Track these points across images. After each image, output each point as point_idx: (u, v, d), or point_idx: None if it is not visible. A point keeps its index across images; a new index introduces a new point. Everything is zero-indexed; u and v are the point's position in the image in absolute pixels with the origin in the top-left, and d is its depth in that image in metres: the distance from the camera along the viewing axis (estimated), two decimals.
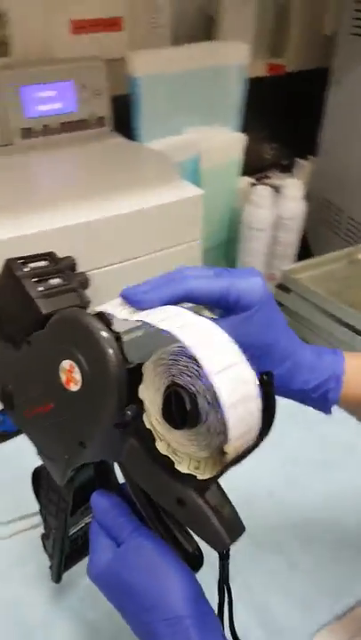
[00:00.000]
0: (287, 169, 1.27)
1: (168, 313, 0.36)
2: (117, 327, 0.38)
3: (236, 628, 0.44)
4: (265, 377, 0.35)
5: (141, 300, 0.38)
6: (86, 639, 0.58)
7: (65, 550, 0.54)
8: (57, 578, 0.57)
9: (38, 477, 0.53)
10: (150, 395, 0.36)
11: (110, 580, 0.41)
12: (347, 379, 0.45)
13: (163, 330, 0.34)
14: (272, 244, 1.07)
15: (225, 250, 1.16)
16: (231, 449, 0.33)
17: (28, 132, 0.85)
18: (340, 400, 0.46)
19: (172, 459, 0.35)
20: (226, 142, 0.99)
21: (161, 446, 0.35)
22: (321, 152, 1.18)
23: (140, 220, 0.72)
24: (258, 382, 0.34)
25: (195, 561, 0.42)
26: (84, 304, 0.45)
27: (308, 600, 0.60)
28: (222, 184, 1.03)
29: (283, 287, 0.99)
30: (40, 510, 0.54)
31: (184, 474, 0.35)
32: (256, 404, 0.34)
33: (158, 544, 0.40)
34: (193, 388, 0.33)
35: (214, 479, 0.36)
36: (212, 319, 0.37)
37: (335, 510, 0.70)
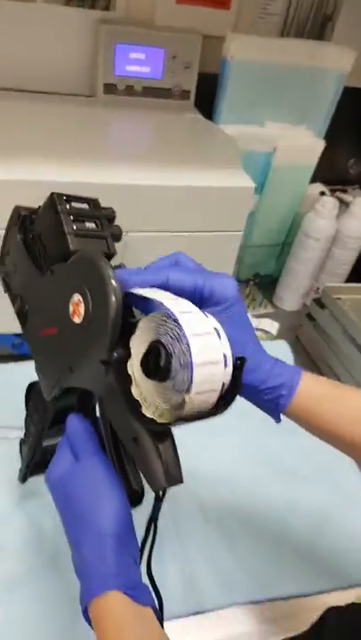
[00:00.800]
0: None
1: (159, 292, 0.42)
2: None
3: (158, 575, 0.49)
4: (238, 361, 0.40)
5: (128, 280, 0.43)
6: (33, 539, 0.65)
7: (35, 457, 0.61)
8: (22, 478, 0.64)
9: (31, 390, 0.60)
10: (137, 345, 0.40)
11: (60, 487, 0.46)
12: (299, 391, 0.48)
13: (155, 300, 0.40)
14: (325, 257, 1.04)
15: (280, 251, 1.14)
16: (189, 400, 0.37)
17: (111, 89, 0.87)
18: (290, 409, 0.49)
19: (142, 404, 0.40)
20: (304, 145, 0.97)
21: (135, 391, 0.40)
22: None
23: (185, 195, 0.72)
24: (226, 356, 0.39)
25: (135, 496, 0.48)
26: (111, 253, 0.50)
27: (231, 580, 0.65)
28: (291, 185, 1.01)
29: (319, 302, 0.96)
30: (25, 418, 0.61)
31: (146, 419, 0.40)
32: (219, 370, 0.38)
33: (109, 471, 0.46)
34: (171, 349, 0.38)
35: (169, 425, 0.40)
36: None
37: (290, 516, 0.72)
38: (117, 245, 0.74)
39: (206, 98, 0.92)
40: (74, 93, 0.88)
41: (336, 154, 1.15)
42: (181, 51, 0.87)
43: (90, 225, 0.50)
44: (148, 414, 0.40)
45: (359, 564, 0.67)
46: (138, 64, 0.86)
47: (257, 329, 0.98)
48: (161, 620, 0.45)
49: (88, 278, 0.43)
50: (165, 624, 0.46)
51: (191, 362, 0.37)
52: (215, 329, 0.40)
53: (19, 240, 0.53)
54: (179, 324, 0.38)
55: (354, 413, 0.49)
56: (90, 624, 0.43)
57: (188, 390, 0.37)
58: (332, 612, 0.50)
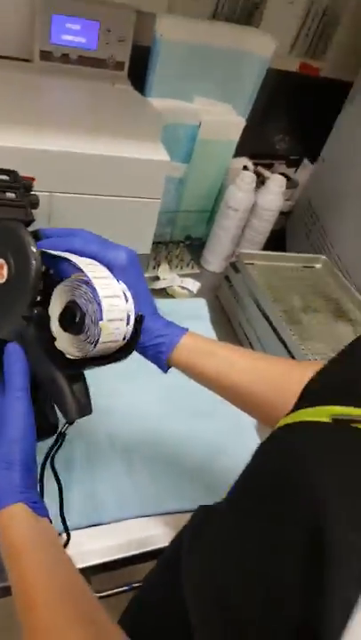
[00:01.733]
0: (295, 164, 1.31)
1: (76, 257, 0.50)
2: None
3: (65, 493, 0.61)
4: (138, 317, 0.50)
5: (42, 245, 0.51)
6: None
7: None
8: None
9: None
10: (56, 304, 0.49)
11: None
12: (179, 348, 0.58)
13: (76, 265, 0.48)
14: (244, 226, 1.12)
15: (209, 217, 1.22)
16: (97, 347, 0.47)
17: (47, 55, 0.91)
18: (174, 362, 0.59)
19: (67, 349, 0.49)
20: (226, 122, 1.04)
21: (57, 343, 0.49)
22: (321, 159, 1.21)
23: (104, 163, 0.79)
24: (129, 314, 0.49)
25: (50, 428, 0.56)
26: (29, 220, 0.56)
27: (126, 498, 0.74)
28: (215, 158, 1.08)
29: (234, 266, 1.05)
30: None
31: (61, 365, 0.49)
32: (122, 325, 0.49)
33: (27, 409, 0.52)
34: (84, 309, 0.47)
35: (80, 363, 0.49)
36: None
37: (188, 447, 0.82)
38: (44, 203, 0.80)
39: (141, 69, 0.98)
40: (11, 56, 0.92)
41: (265, 130, 1.22)
42: (116, 24, 0.92)
43: (10, 195, 0.57)
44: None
45: None
46: (73, 34, 0.90)
47: (180, 286, 1.07)
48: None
49: (10, 245, 0.50)
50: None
51: (101, 317, 0.46)
52: (123, 292, 0.49)
53: None
54: (93, 287, 0.46)
55: (219, 364, 0.58)
56: None
57: (97, 341, 0.46)
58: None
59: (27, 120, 0.78)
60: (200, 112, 0.99)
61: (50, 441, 0.57)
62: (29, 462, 0.53)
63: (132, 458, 0.79)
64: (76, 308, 0.48)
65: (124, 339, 0.50)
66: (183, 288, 1.09)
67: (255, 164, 1.15)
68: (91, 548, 0.70)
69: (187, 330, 0.60)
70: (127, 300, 0.50)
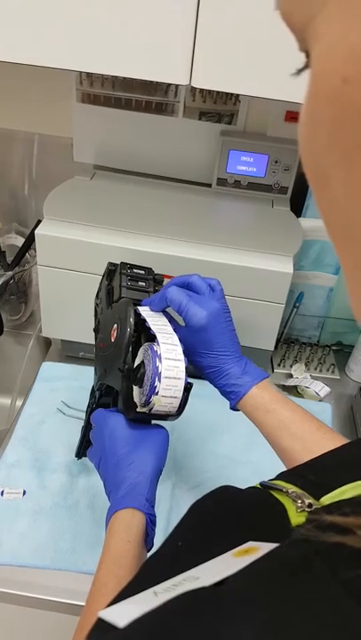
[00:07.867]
0: None
1: (160, 322, 0.62)
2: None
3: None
4: (188, 385, 0.59)
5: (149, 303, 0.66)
6: (66, 485, 0.83)
7: (86, 437, 0.75)
8: (76, 454, 0.80)
9: (92, 390, 0.78)
10: (136, 362, 0.61)
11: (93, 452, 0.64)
12: (246, 398, 0.62)
13: (152, 332, 0.60)
14: None
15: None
16: (156, 402, 0.57)
17: (223, 182, 1.04)
18: (241, 407, 0.64)
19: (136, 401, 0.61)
20: None
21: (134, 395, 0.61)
22: None
23: (237, 271, 0.87)
24: (185, 379, 0.57)
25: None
26: None
27: None
28: None
29: None
30: (86, 409, 0.78)
31: (129, 409, 0.60)
32: (180, 391, 0.57)
33: (167, 438, 0.62)
34: (145, 369, 0.58)
35: (142, 414, 0.60)
36: (178, 326, 0.64)
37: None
38: None
39: (302, 192, 1.04)
40: (195, 181, 1.08)
41: None
42: (283, 156, 1.00)
43: (141, 283, 0.71)
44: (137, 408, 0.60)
45: None
46: (246, 165, 1.02)
47: (306, 387, 1.05)
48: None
49: (120, 315, 0.63)
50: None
51: (160, 375, 0.55)
52: (185, 358, 0.58)
53: (104, 284, 0.75)
54: (155, 352, 0.57)
55: (275, 424, 0.60)
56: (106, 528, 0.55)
57: (156, 393, 0.56)
58: None
59: (191, 234, 0.90)
60: None
61: None
62: (155, 480, 0.57)
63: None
64: (141, 366, 0.58)
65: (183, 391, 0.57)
66: (309, 389, 1.06)
67: None
68: None
69: (261, 379, 0.63)
70: (184, 364, 0.58)
